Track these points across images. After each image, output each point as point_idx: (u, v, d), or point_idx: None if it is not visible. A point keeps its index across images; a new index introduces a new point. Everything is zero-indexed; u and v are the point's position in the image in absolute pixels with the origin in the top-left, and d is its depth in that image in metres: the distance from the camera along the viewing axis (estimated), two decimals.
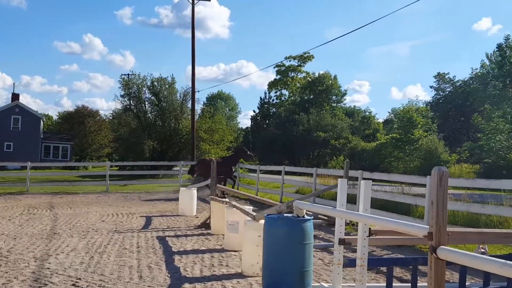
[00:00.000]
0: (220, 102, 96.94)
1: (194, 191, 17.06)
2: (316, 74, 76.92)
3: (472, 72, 63.36)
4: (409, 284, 6.46)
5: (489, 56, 53.69)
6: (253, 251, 7.91)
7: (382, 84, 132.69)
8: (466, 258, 3.60)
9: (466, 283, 6.66)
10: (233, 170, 24.45)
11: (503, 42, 50.03)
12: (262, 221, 7.53)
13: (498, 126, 41.34)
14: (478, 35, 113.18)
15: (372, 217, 5.44)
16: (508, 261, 3.20)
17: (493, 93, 47.21)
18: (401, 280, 7.92)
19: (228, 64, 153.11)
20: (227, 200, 12.00)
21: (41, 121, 63.87)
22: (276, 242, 6.65)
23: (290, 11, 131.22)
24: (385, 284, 6.05)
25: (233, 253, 9.92)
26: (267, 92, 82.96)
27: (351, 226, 12.30)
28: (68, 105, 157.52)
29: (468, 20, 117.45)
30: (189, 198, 16.77)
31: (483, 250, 8.44)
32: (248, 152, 25.57)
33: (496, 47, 50.69)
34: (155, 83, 47.16)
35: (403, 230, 4.83)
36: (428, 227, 4.06)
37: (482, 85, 51.90)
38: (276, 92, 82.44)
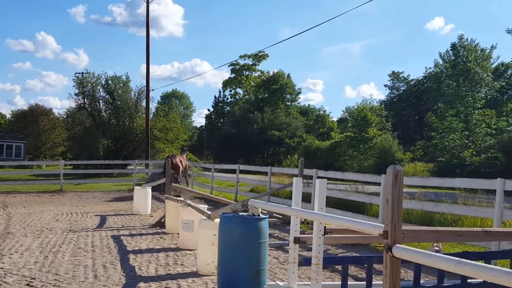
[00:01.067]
0: (174, 100, 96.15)
1: (149, 190, 16.87)
2: (271, 73, 77.04)
3: (426, 71, 64.41)
4: (364, 283, 6.49)
5: (443, 55, 54.67)
6: (209, 250, 7.86)
7: (336, 83, 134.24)
8: (421, 256, 3.61)
9: (421, 281, 6.75)
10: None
11: (457, 42, 51.03)
12: (217, 220, 7.47)
13: (451, 125, 42.27)
14: (431, 34, 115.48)
15: (328, 216, 5.43)
16: (462, 259, 3.22)
17: (446, 92, 48.01)
18: (356, 278, 7.97)
19: (182, 62, 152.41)
20: (181, 198, 11.89)
21: None
22: (231, 241, 6.60)
23: (245, 9, 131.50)
24: (340, 282, 6.06)
25: (188, 252, 9.85)
26: (222, 91, 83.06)
27: (306, 225, 12.34)
28: (22, 104, 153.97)
29: (421, 19, 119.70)
30: (143, 197, 16.60)
31: (437, 248, 8.55)
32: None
33: (450, 47, 51.67)
34: (110, 82, 46.51)
35: (358, 229, 4.82)
36: (383, 225, 4.05)
37: (436, 84, 52.81)
38: (230, 91, 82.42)
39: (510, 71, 57.85)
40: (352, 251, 10.29)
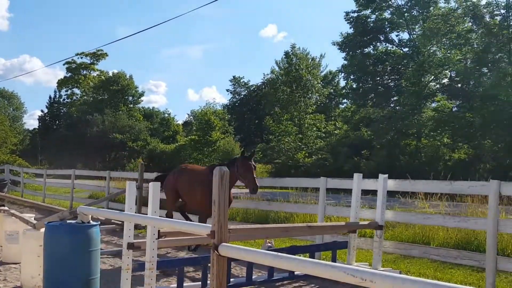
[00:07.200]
0: (2, 100, 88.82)
1: None
2: (111, 73, 74.76)
3: (264, 77, 67.01)
4: (200, 283, 6.51)
5: (278, 62, 57.03)
6: (34, 262, 7.35)
7: (179, 86, 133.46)
8: (243, 253, 3.73)
9: (253, 277, 6.92)
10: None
11: (290, 50, 53.57)
12: (44, 230, 7.05)
13: (287, 129, 45.45)
14: (266, 41, 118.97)
15: (159, 219, 5.40)
16: (279, 254, 3.32)
17: (282, 97, 50.88)
18: (193, 279, 7.94)
19: (9, 59, 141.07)
20: (5, 208, 11.06)
21: None
22: (58, 251, 6.21)
23: (80, 6, 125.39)
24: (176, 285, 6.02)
25: (12, 265, 9.15)
26: (57, 91, 78.49)
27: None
28: None
29: (256, 26, 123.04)
30: None
31: (269, 244, 8.83)
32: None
33: (284, 54, 54.02)
34: None
35: (189, 230, 4.91)
36: (211, 226, 4.09)
37: (273, 89, 55.04)
38: (67, 91, 78.37)
39: (336, 79, 62.63)
40: (195, 253, 10.26)
